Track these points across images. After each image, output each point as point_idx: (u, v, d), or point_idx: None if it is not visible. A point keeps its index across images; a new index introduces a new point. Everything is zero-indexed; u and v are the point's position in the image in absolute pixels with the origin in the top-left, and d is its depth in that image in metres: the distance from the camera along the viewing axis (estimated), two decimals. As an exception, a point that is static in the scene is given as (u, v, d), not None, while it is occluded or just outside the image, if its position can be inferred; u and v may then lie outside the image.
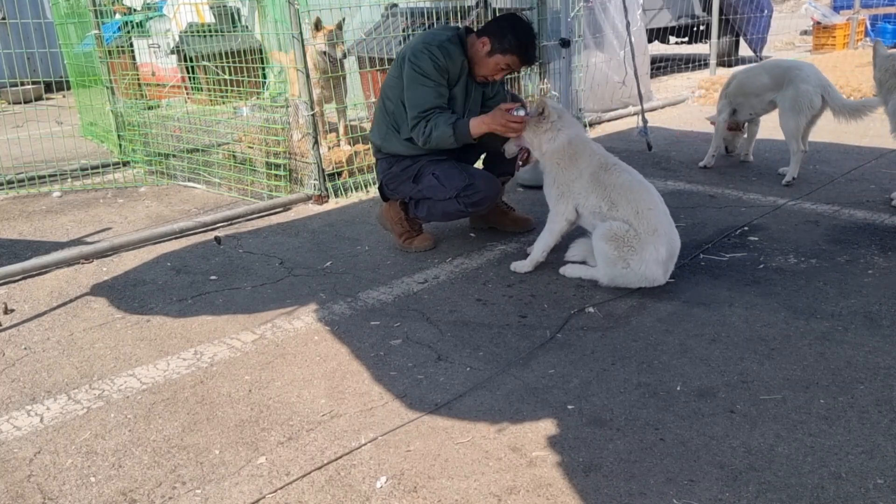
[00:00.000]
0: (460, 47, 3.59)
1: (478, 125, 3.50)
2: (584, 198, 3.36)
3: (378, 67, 5.99)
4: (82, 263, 4.03)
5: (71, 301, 3.56)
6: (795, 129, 4.71)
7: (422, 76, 3.54)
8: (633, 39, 6.68)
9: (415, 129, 3.59)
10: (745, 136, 5.36)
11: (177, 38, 8.03)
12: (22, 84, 10.01)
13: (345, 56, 5.64)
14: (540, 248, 3.54)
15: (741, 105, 5.08)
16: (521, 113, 3.42)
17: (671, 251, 3.24)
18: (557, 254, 3.76)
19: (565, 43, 5.89)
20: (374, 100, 6.18)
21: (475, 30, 3.71)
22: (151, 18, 8.58)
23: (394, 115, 3.72)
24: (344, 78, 5.73)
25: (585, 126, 6.73)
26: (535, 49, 3.62)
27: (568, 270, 3.49)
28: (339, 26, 5.49)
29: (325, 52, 5.47)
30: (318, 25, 5.40)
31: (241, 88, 6.58)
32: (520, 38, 3.53)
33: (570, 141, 3.41)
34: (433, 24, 5.75)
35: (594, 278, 3.36)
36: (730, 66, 10.38)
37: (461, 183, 3.65)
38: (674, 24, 10.73)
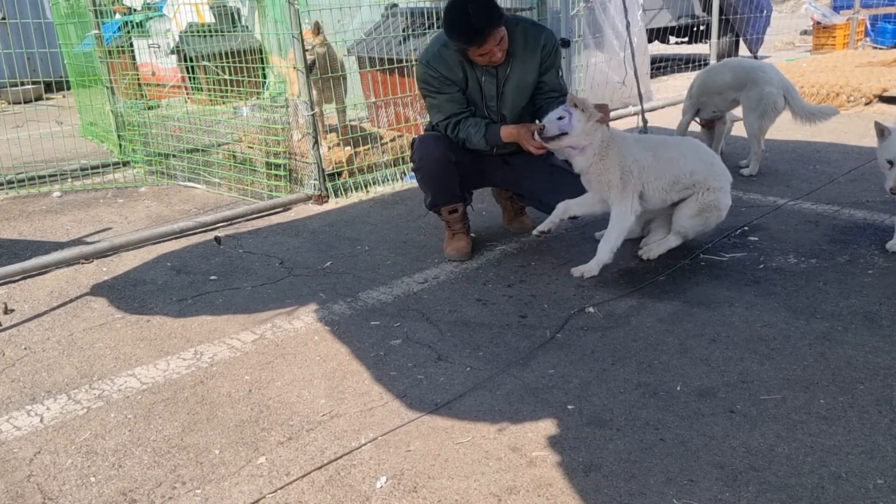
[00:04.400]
0: (453, 48, 3.51)
1: (507, 135, 3.53)
2: (653, 177, 3.43)
3: (378, 67, 6.00)
4: (82, 263, 4.03)
5: (71, 301, 3.56)
6: (759, 130, 4.84)
7: (429, 91, 3.60)
8: (633, 39, 6.68)
9: (445, 131, 3.64)
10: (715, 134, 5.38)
11: (177, 38, 8.03)
12: (22, 84, 10.01)
13: (312, 65, 5.40)
14: (607, 250, 3.44)
15: (704, 104, 5.14)
16: (540, 136, 3.36)
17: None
18: (557, 255, 3.77)
19: (565, 43, 5.89)
20: (374, 100, 6.19)
21: None
22: (151, 18, 8.58)
23: None
24: (344, 78, 5.73)
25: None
26: (472, 25, 3.28)
27: (651, 252, 3.59)
28: (317, 29, 5.35)
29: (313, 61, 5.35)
30: (317, 28, 5.32)
31: (241, 88, 6.58)
32: (452, 33, 3.37)
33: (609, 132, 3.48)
34: (433, 24, 5.75)
35: (672, 246, 3.58)
36: (730, 66, 10.37)
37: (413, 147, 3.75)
38: (674, 24, 10.73)
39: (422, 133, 3.97)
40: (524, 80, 3.62)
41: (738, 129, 5.32)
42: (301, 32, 4.77)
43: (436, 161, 3.64)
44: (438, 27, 5.72)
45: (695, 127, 5.42)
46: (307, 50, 5.19)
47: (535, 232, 3.59)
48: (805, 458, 2.10)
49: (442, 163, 3.63)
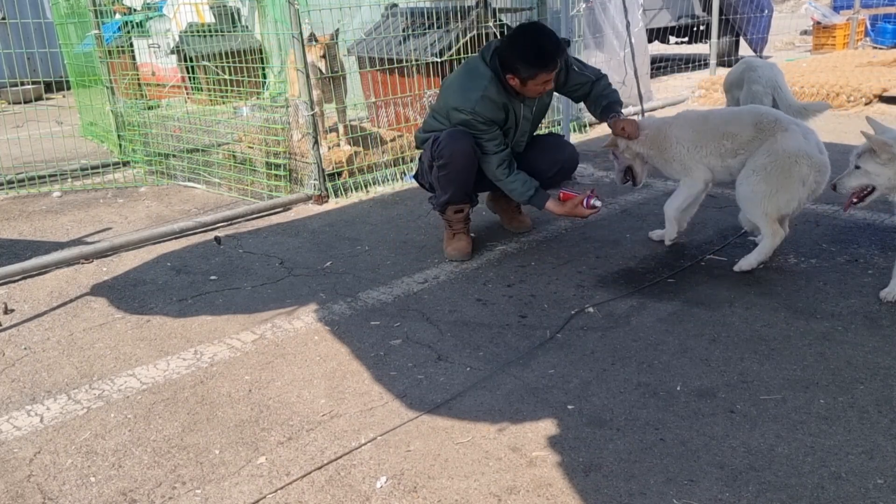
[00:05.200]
0: (497, 84, 3.51)
1: (553, 208, 3.61)
2: (702, 150, 3.49)
3: (378, 67, 6.00)
4: (82, 263, 4.03)
5: (71, 301, 3.56)
6: None
7: (477, 130, 3.57)
8: (633, 39, 6.68)
9: (499, 166, 3.63)
10: None
11: (177, 38, 8.03)
12: (22, 84, 10.01)
13: (335, 68, 5.47)
14: (673, 210, 3.65)
15: (730, 100, 5.29)
16: (598, 204, 3.56)
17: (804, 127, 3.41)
18: (557, 255, 3.76)
19: (565, 43, 5.87)
20: (374, 100, 6.19)
21: (497, 50, 3.55)
22: (151, 18, 8.58)
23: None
24: (344, 78, 5.73)
25: (585, 126, 6.73)
26: (550, 51, 3.41)
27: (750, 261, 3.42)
28: (335, 34, 5.39)
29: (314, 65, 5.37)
30: (311, 38, 5.30)
31: (241, 88, 6.59)
32: (529, 58, 3.40)
33: (654, 126, 3.64)
34: (433, 24, 5.75)
35: (768, 248, 3.38)
36: (730, 66, 10.33)
37: (432, 143, 3.65)
38: (674, 24, 10.72)
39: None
40: (543, 101, 3.76)
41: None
42: (301, 32, 4.77)
43: (467, 157, 3.57)
44: (438, 27, 5.73)
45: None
46: (323, 56, 5.21)
47: (667, 242, 3.73)
48: (805, 458, 2.10)
49: (471, 160, 3.59)
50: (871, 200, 2.97)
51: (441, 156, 3.58)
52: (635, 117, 4.47)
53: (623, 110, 3.84)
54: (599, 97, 3.79)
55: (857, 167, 2.92)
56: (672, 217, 3.66)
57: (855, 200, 2.98)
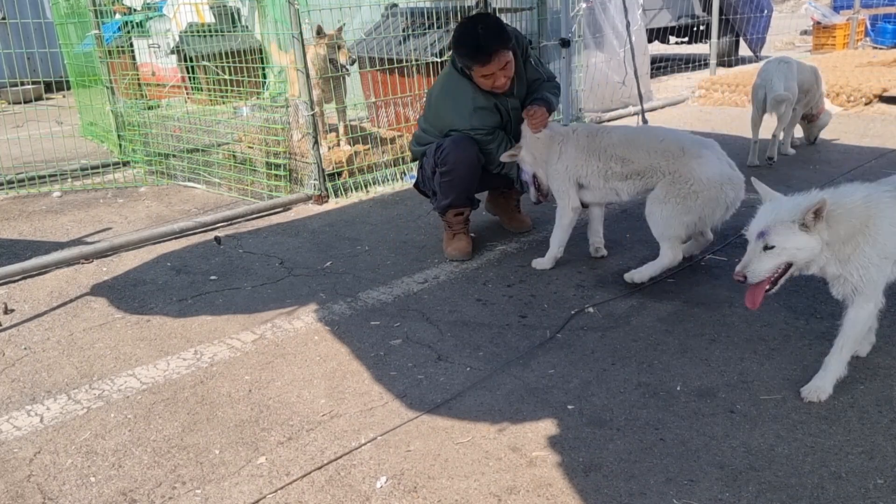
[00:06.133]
0: (477, 88, 3.52)
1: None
2: (583, 168, 3.40)
3: (378, 67, 5.99)
4: (82, 263, 4.03)
5: (71, 301, 3.56)
6: (751, 120, 5.24)
7: (482, 140, 3.63)
8: (633, 39, 6.68)
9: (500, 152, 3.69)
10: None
11: (177, 38, 8.03)
12: (22, 84, 10.00)
13: (353, 62, 5.62)
14: (556, 244, 3.56)
15: (759, 96, 5.39)
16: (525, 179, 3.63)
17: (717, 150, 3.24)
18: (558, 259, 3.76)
19: (565, 43, 5.89)
20: (374, 100, 6.19)
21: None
22: (151, 18, 8.58)
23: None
24: (344, 78, 5.73)
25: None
26: (483, 45, 3.32)
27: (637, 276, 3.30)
28: (340, 30, 5.46)
29: (332, 59, 5.44)
30: (319, 32, 5.36)
31: (241, 88, 6.58)
32: (463, 52, 3.38)
33: (554, 130, 3.53)
34: (433, 24, 5.75)
35: (665, 265, 3.27)
36: (730, 66, 10.38)
37: (435, 149, 3.64)
38: (674, 24, 10.72)
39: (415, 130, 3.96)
40: (521, 92, 3.71)
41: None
42: (301, 32, 4.77)
43: (470, 166, 3.61)
44: (438, 27, 5.73)
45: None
46: (339, 46, 5.27)
47: (539, 268, 3.61)
48: (805, 458, 2.10)
49: (475, 168, 3.63)
50: (785, 281, 2.34)
51: (445, 162, 3.59)
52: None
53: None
54: (535, 93, 3.68)
55: (770, 246, 2.25)
56: (554, 253, 3.56)
57: (768, 287, 2.32)
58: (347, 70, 5.55)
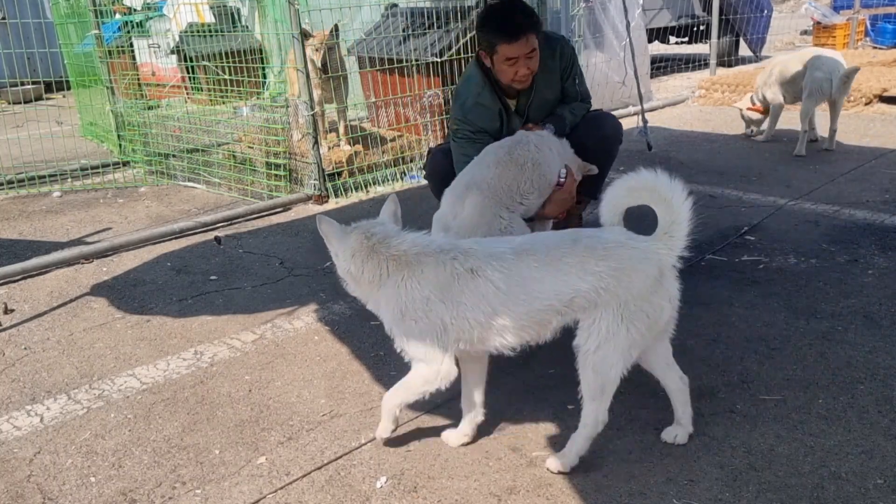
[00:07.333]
0: (489, 87, 3.29)
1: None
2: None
3: (378, 67, 5.99)
4: (82, 263, 4.03)
5: (71, 301, 3.56)
6: (805, 112, 5.42)
7: (459, 136, 3.35)
8: (633, 39, 6.68)
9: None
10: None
11: (177, 38, 8.03)
12: (22, 84, 10.00)
13: (334, 65, 5.47)
14: None
15: (785, 91, 5.68)
16: (563, 173, 3.15)
17: None
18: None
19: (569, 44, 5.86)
20: (374, 100, 6.19)
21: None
22: (151, 18, 8.58)
23: None
24: (345, 78, 5.73)
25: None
26: (517, 21, 3.06)
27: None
28: (334, 30, 5.40)
29: (312, 60, 5.37)
30: (305, 34, 5.28)
31: (241, 88, 6.59)
32: (488, 23, 3.11)
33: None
34: (433, 24, 5.75)
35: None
36: (730, 66, 10.39)
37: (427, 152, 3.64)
38: (674, 24, 10.72)
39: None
40: (547, 99, 3.41)
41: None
42: (301, 32, 4.77)
43: (441, 179, 3.37)
44: (438, 27, 5.73)
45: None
46: (317, 49, 5.20)
47: None
48: (805, 458, 2.10)
49: (447, 180, 3.49)
50: None
51: (425, 168, 3.64)
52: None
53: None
54: (561, 106, 3.46)
55: None
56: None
57: None
58: (325, 67, 5.40)
